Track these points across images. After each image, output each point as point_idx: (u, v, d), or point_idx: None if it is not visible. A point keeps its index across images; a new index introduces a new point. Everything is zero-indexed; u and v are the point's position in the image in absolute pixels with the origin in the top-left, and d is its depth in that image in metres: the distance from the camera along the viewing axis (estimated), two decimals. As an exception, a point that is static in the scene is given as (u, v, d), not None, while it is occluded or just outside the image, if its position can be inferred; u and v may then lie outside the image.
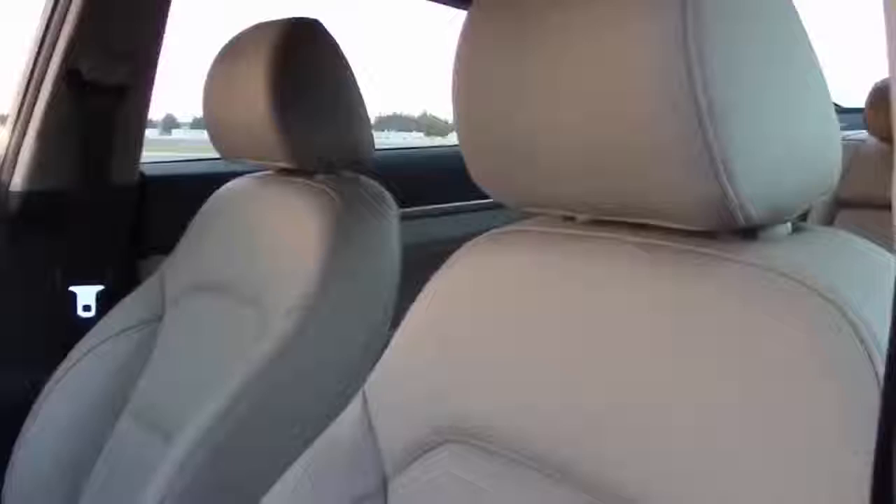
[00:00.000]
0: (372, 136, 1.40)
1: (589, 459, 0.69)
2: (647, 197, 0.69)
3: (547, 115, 0.72)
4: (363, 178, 1.38)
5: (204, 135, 1.47)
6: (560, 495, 0.71)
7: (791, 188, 0.68)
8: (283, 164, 1.36)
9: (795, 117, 0.67)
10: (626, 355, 0.70)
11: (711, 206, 0.66)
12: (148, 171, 1.74)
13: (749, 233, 0.70)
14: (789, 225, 0.72)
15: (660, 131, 0.65)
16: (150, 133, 1.73)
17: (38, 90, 1.58)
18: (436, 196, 2.02)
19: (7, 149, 1.62)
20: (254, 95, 1.29)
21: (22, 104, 1.60)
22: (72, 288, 1.61)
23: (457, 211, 2.04)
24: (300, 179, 1.37)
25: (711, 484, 0.62)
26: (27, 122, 1.60)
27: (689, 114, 0.63)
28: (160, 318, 1.47)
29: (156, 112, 2.77)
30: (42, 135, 1.58)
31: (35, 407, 1.44)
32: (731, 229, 0.69)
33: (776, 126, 0.66)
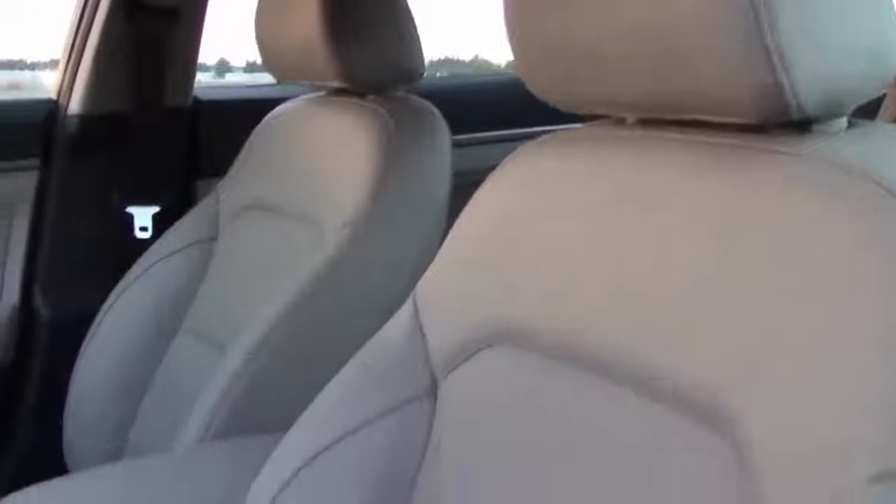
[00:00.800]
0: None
1: (640, 358, 0.70)
2: (699, 90, 0.68)
3: (598, 13, 0.71)
4: (414, 98, 1.39)
5: (257, 78, 1.49)
6: (610, 393, 0.72)
7: (848, 79, 0.67)
8: (335, 84, 1.36)
9: (853, 5, 0.66)
10: (680, 251, 0.70)
11: (765, 97, 0.65)
12: (201, 95, 1.76)
13: (803, 126, 0.69)
14: (845, 120, 0.71)
15: (713, 20, 0.64)
16: (203, 77, 1.75)
17: (93, 14, 1.60)
18: (486, 124, 2.01)
19: (64, 73, 1.64)
20: (306, 13, 1.30)
21: (77, 29, 1.63)
22: (129, 209, 1.64)
23: (507, 139, 2.04)
24: (352, 100, 1.37)
25: (775, 375, 0.61)
26: (83, 46, 1.62)
27: (744, 1, 0.62)
28: (215, 238, 1.50)
29: (209, 56, 2.80)
30: (98, 59, 1.60)
31: (94, 325, 1.48)
32: (785, 121, 0.68)
33: (833, 14, 0.65)
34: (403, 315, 0.91)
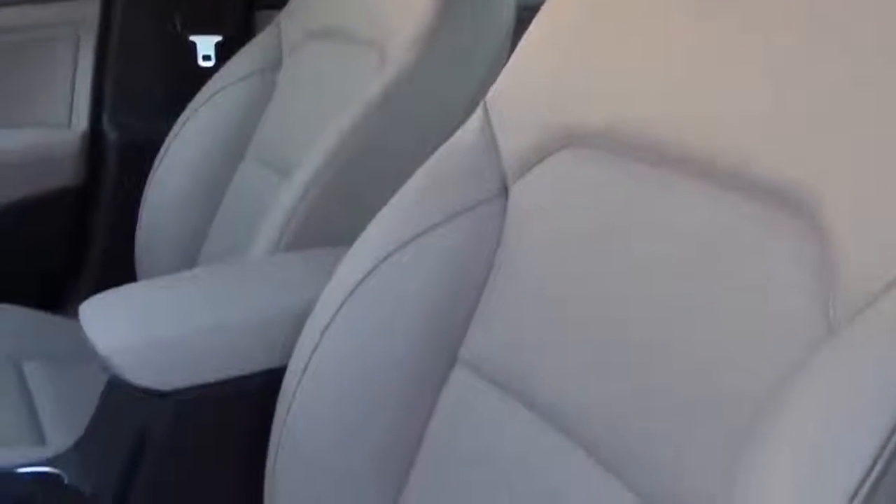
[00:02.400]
0: None
1: (720, 146, 0.70)
2: None
3: None
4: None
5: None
6: (690, 187, 0.72)
7: None
8: None
9: None
10: (766, 36, 0.69)
11: None
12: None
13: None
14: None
15: None
16: None
17: None
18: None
19: None
20: None
21: None
22: (192, 38, 1.65)
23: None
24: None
25: (862, 163, 0.61)
26: None
27: None
28: (277, 67, 1.51)
29: None
30: None
31: (161, 151, 1.51)
32: None
33: None
34: (473, 123, 0.92)
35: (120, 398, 0.94)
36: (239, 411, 0.95)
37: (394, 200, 0.93)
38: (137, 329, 0.94)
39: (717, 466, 0.62)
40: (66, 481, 0.94)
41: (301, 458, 0.89)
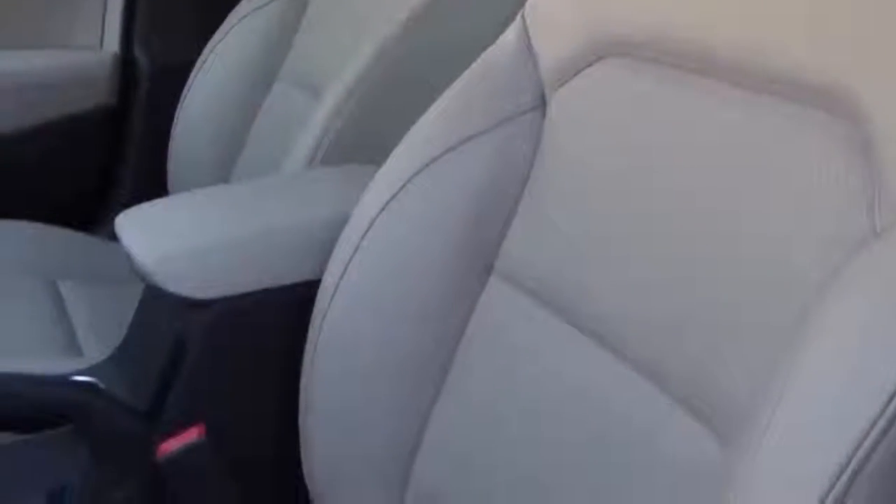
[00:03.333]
0: None
1: (765, 51, 0.68)
2: None
3: None
4: None
5: None
6: (731, 97, 0.71)
7: None
8: None
9: None
10: None
11: None
12: None
13: None
14: None
15: None
16: None
17: None
18: None
19: None
20: None
21: None
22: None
23: None
24: None
25: None
26: None
27: None
28: (307, -13, 1.50)
29: None
30: None
31: (194, 73, 1.51)
32: None
33: None
34: (511, 34, 0.91)
35: (157, 307, 0.95)
36: (275, 322, 0.95)
37: (429, 113, 0.93)
38: (174, 238, 0.95)
39: (757, 368, 0.62)
40: (103, 388, 0.95)
41: (336, 367, 0.90)
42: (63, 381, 0.96)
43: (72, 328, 1.19)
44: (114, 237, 1.48)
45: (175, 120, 1.49)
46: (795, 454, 0.56)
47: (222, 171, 1.45)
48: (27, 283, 1.27)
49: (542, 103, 0.87)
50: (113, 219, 1.51)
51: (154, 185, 1.50)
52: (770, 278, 0.64)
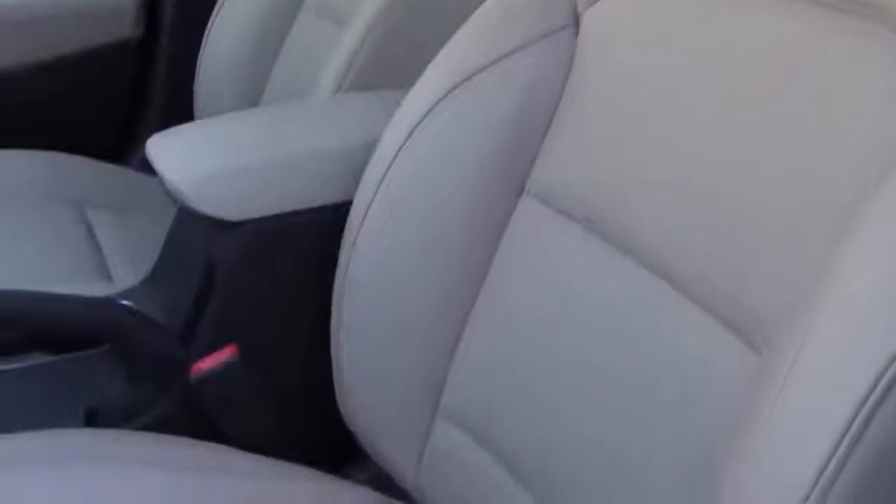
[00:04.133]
0: None
1: None
2: None
3: None
4: None
5: None
6: (780, 6, 0.70)
7: None
8: None
9: None
10: None
11: None
12: None
13: None
14: None
15: None
16: None
17: None
18: None
19: None
20: None
21: None
22: None
23: None
24: None
25: None
26: None
27: None
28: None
29: None
30: None
31: (218, 4, 1.50)
32: None
33: None
34: None
35: (188, 229, 0.96)
36: (306, 244, 0.96)
37: (458, 35, 0.92)
38: (206, 159, 0.95)
39: (794, 281, 0.62)
40: (137, 309, 0.96)
41: (368, 290, 0.90)
42: (98, 302, 0.98)
43: (101, 255, 1.20)
44: (140, 169, 1.50)
45: (201, 50, 1.48)
46: (833, 362, 0.56)
47: (249, 101, 1.44)
48: (56, 210, 1.28)
49: (574, 21, 0.86)
50: (140, 151, 1.53)
51: (181, 117, 1.49)
52: (811, 190, 0.64)
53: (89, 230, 1.25)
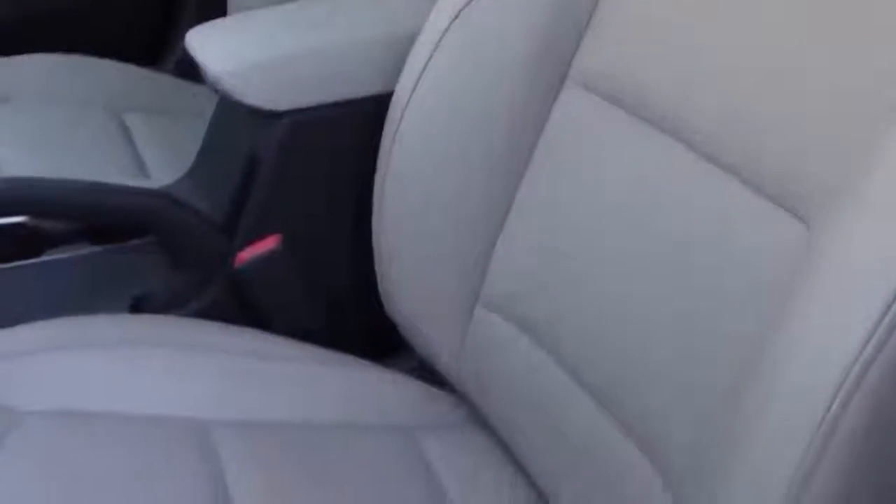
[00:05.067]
0: None
1: None
2: None
3: None
4: None
5: None
6: None
7: None
8: None
9: None
10: None
11: None
12: None
13: None
14: None
15: None
16: None
17: None
18: None
19: None
20: None
21: None
22: None
23: None
24: None
25: None
26: None
27: None
28: None
29: None
30: None
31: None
32: None
33: None
34: None
35: (230, 119, 0.96)
36: (348, 134, 0.96)
37: None
38: (247, 50, 0.95)
39: (845, 155, 0.62)
40: (181, 199, 0.97)
41: (409, 180, 0.90)
42: (142, 192, 0.98)
43: (139, 156, 1.21)
44: (175, 74, 1.49)
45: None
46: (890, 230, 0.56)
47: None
48: (93, 114, 1.28)
49: None
50: (172, 55, 1.52)
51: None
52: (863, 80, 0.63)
53: (127, 133, 1.26)
